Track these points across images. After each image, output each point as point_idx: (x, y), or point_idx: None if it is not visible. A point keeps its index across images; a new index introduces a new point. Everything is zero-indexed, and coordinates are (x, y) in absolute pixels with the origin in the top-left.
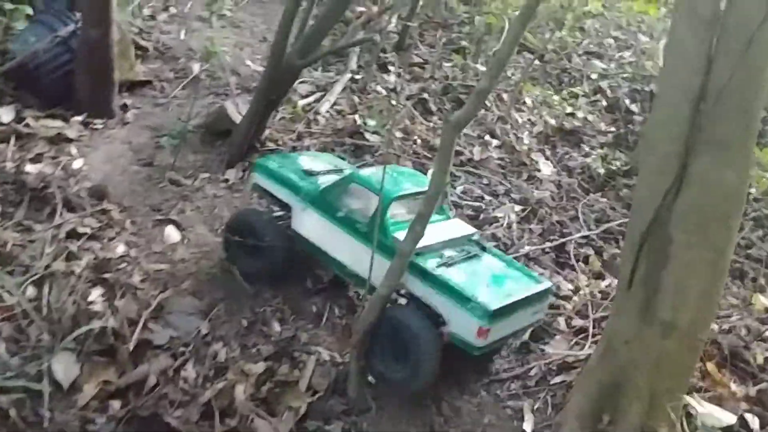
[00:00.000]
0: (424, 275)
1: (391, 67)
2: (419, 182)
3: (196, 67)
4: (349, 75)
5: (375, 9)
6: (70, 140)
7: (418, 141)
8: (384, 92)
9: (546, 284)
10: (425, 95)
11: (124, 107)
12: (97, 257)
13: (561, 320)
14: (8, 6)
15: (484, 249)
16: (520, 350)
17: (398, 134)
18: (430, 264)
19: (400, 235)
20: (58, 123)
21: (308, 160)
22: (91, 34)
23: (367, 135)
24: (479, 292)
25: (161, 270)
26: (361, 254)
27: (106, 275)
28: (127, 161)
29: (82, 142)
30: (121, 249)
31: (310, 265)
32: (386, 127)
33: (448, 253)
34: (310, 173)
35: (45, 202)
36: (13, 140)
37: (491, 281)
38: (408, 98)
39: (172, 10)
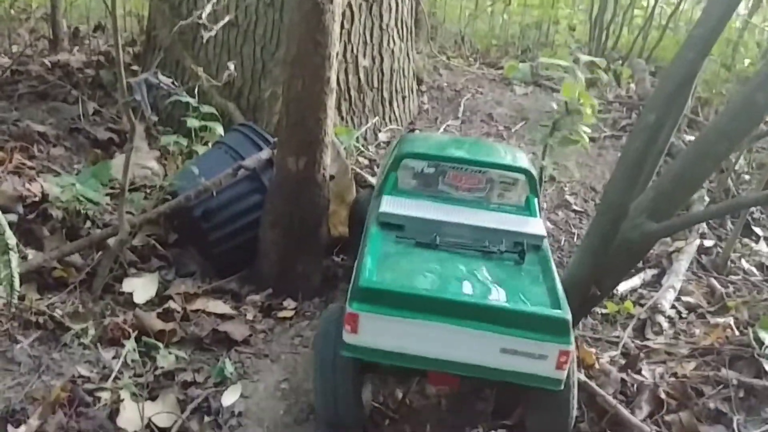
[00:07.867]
0: None
1: (757, 229)
2: None
3: None
4: (696, 241)
5: None
6: (234, 342)
7: None
8: (757, 272)
9: None
10: None
11: (335, 281)
12: None
13: None
14: (194, 123)
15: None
16: None
17: None
18: None
19: None
20: (223, 307)
21: None
22: (289, 167)
23: (765, 363)
24: None
25: None
26: None
27: None
28: None
29: (252, 348)
30: None
31: None
32: None
33: None
34: None
35: None
36: (129, 347)
37: None
38: None
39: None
